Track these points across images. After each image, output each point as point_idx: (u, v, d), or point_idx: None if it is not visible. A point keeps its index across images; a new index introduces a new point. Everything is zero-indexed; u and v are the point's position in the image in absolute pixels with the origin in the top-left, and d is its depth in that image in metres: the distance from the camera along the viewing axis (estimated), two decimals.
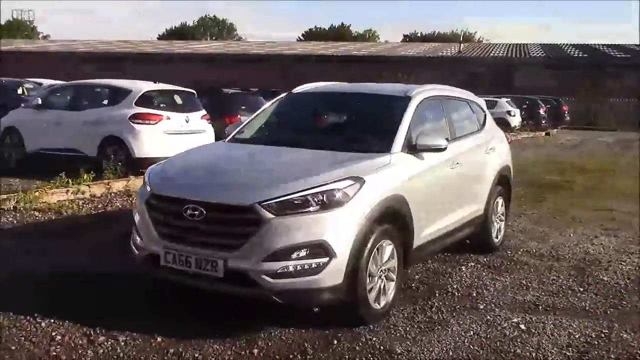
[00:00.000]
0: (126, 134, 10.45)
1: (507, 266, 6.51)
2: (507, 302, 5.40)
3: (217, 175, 4.86)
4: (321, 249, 4.26)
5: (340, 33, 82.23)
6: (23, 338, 4.32)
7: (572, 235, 8.10)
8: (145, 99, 10.97)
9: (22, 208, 8.29)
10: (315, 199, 4.33)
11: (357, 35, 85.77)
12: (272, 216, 4.24)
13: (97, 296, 5.24)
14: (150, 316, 4.77)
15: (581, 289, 5.84)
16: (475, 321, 4.89)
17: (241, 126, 6.11)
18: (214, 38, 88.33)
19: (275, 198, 4.28)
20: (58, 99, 12.01)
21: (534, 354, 4.34)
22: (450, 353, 4.31)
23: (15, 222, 7.72)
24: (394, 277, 4.94)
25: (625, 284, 6.03)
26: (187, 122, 11.11)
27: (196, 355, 4.15)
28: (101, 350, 4.19)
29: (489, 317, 4.99)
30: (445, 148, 5.35)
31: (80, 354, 4.13)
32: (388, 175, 4.85)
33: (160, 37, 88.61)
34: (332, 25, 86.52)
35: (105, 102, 11.20)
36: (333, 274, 4.30)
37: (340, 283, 4.35)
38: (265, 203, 4.26)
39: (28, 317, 4.65)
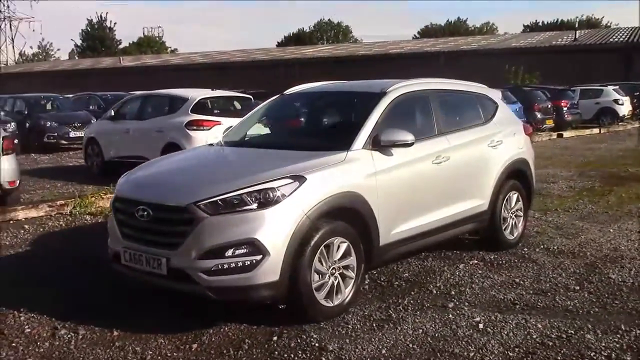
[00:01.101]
0: (183, 141, 10.98)
1: (511, 264, 6.24)
2: (483, 300, 5.21)
3: (169, 178, 5.10)
4: (253, 247, 4.35)
5: (455, 28, 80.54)
6: None
7: (611, 231, 7.59)
8: (201, 106, 11.46)
9: (77, 212, 8.97)
10: (250, 198, 4.43)
11: (475, 29, 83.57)
12: (207, 215, 4.40)
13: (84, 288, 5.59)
14: (125, 312, 5.06)
15: (577, 288, 5.51)
16: (434, 320, 4.78)
17: (230, 129, 6.31)
18: (330, 42, 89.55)
19: (210, 198, 4.43)
20: (128, 109, 12.84)
21: (472, 354, 4.19)
22: (384, 351, 4.25)
23: (63, 225, 8.37)
24: (352, 275, 4.92)
25: (632, 283, 5.61)
26: None
27: (137, 348, 4.38)
28: (57, 343, 4.51)
29: (450, 316, 4.85)
30: (412, 143, 5.25)
31: (37, 345, 4.47)
32: (339, 172, 4.85)
33: (280, 44, 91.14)
34: (448, 20, 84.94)
35: (166, 110, 11.81)
36: (267, 272, 4.38)
37: (277, 280, 4.42)
38: (200, 203, 4.42)
39: (13, 312, 5.08)
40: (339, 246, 4.81)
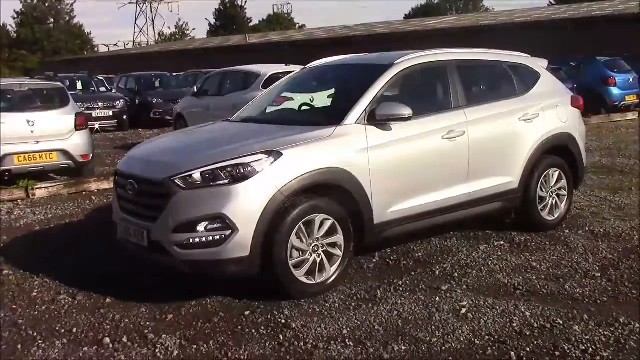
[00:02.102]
0: None
1: (539, 246, 5.83)
2: (483, 284, 4.93)
3: (159, 153, 5.21)
4: (223, 222, 4.37)
5: None
6: (11, 293, 5.11)
7: None
8: (273, 82, 11.55)
9: None
10: (223, 173, 4.45)
11: None
12: (180, 190, 4.47)
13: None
14: (127, 281, 5.25)
15: (597, 275, 5.06)
16: (417, 302, 4.58)
17: (248, 104, 6.34)
18: (459, 12, 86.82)
19: (183, 173, 4.50)
20: (209, 86, 13.23)
21: (434, 340, 3.99)
22: (345, 331, 4.15)
23: None
24: (339, 253, 4.82)
25: None
26: (311, 101, 11.45)
27: (117, 316, 4.56)
28: (52, 307, 4.81)
29: (437, 299, 4.63)
30: (409, 117, 5.01)
31: (35, 308, 4.79)
32: (322, 148, 4.74)
33: (407, 16, 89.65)
34: None
35: (241, 86, 12.04)
36: (236, 247, 4.39)
37: (247, 256, 4.42)
38: (174, 177, 4.50)
39: (33, 276, 5.46)
40: (322, 223, 4.70)
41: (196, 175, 4.47)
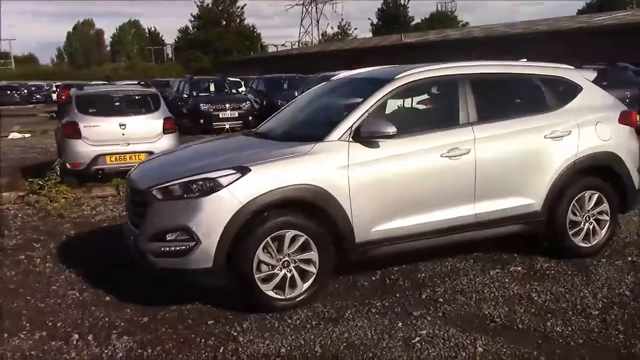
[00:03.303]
0: None
1: (556, 275, 5.42)
2: (460, 314, 4.70)
3: (157, 163, 5.53)
4: (187, 234, 4.59)
5: None
6: (37, 284, 5.69)
7: None
8: None
9: None
10: (192, 186, 4.66)
11: None
12: (156, 200, 4.75)
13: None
14: (140, 283, 5.43)
15: (594, 313, 4.64)
16: (376, 326, 4.49)
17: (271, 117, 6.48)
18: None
19: (161, 184, 4.78)
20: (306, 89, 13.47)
21: None
22: (282, 350, 4.19)
23: None
24: (313, 270, 4.84)
25: None
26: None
27: (101, 314, 4.93)
28: (60, 301, 5.29)
29: (399, 325, 4.50)
30: (394, 135, 4.89)
31: (46, 300, 5.29)
32: (296, 164, 4.78)
33: (580, 12, 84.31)
34: None
35: None
36: (200, 258, 4.58)
37: (210, 267, 4.59)
38: (153, 188, 4.79)
39: (64, 270, 6.03)
40: (293, 239, 4.75)
41: (169, 187, 4.72)
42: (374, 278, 5.49)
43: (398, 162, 5.02)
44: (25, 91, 46.93)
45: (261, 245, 4.65)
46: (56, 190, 9.32)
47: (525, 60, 6.32)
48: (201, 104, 18.75)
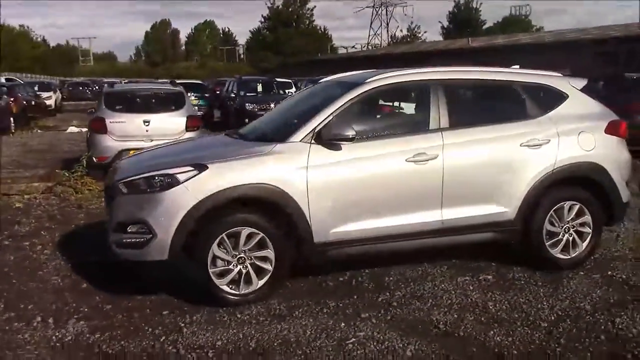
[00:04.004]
0: None
1: (524, 286, 5.33)
2: (409, 318, 4.71)
3: (135, 158, 5.75)
4: (145, 227, 4.80)
5: None
6: (28, 269, 6.03)
7: None
8: None
9: None
10: (152, 181, 4.87)
11: None
12: (122, 194, 4.99)
13: None
14: (123, 272, 5.55)
15: (542, 325, 4.57)
16: (319, 325, 4.57)
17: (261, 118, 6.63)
18: None
19: (126, 178, 5.01)
20: None
21: None
22: (218, 343, 4.31)
23: None
24: (269, 268, 4.96)
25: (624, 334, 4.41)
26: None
27: (71, 300, 5.18)
28: (42, 285, 5.59)
29: (342, 325, 4.56)
30: (353, 138, 4.96)
31: (29, 284, 5.60)
32: (253, 164, 4.90)
33: None
34: None
35: None
36: (155, 251, 4.77)
37: (165, 260, 4.78)
38: (120, 181, 5.03)
39: (59, 257, 6.36)
40: (250, 236, 4.88)
41: (133, 181, 4.94)
42: (341, 279, 5.55)
43: (360, 165, 5.07)
44: (97, 87, 48.84)
45: (216, 241, 4.80)
46: (81, 182, 9.78)
47: (518, 66, 6.23)
48: (247, 104, 19.14)
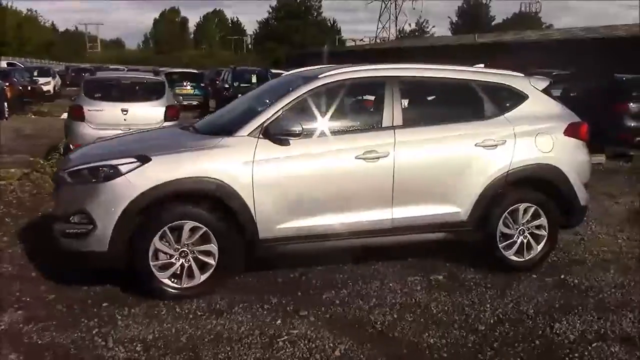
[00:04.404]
0: None
1: (473, 288, 5.29)
2: (347, 317, 4.68)
3: (90, 147, 5.73)
4: (86, 217, 4.76)
5: None
6: None
7: None
8: None
9: None
10: (95, 172, 4.83)
11: None
12: (66, 183, 4.96)
13: None
14: None
15: (480, 329, 4.52)
16: (254, 322, 4.53)
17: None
18: None
19: (71, 167, 4.98)
20: None
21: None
22: (149, 337, 4.28)
23: None
24: (212, 262, 4.93)
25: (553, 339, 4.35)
26: None
27: (16, 289, 5.13)
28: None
29: (278, 323, 4.54)
30: (299, 134, 4.91)
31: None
32: (198, 157, 4.86)
33: None
34: None
35: None
36: (95, 242, 4.74)
37: (105, 251, 4.75)
38: (65, 170, 5.00)
39: (25, 245, 6.34)
40: (192, 230, 4.85)
41: (77, 171, 4.91)
42: (292, 275, 5.52)
43: (308, 161, 5.02)
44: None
45: (158, 234, 4.76)
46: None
47: (483, 65, 6.16)
48: (239, 94, 19.04)
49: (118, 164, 4.75)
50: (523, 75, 5.91)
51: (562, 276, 5.56)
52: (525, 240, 5.62)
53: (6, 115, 19.88)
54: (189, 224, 4.82)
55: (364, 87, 5.50)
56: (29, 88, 24.47)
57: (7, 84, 20.90)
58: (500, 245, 5.55)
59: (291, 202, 5.01)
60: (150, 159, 4.76)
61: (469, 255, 5.80)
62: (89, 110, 10.04)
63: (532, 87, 5.77)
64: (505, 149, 5.46)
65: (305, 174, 5.02)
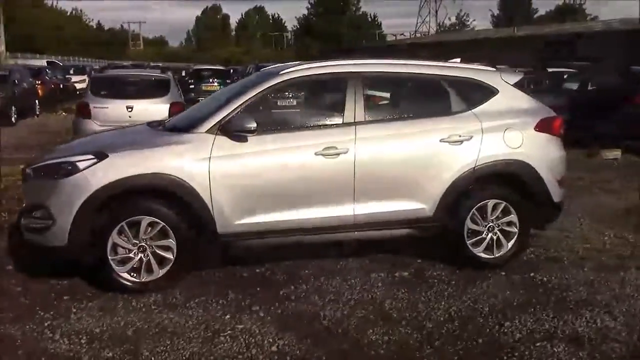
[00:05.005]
0: None
1: (436, 284, 5.23)
2: (297, 311, 4.70)
3: (66, 144, 5.87)
4: (46, 212, 4.89)
5: None
6: None
7: None
8: None
9: None
10: (55, 168, 4.96)
11: None
12: (30, 179, 5.11)
13: None
14: None
15: (427, 325, 4.49)
16: (201, 317, 4.58)
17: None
18: None
19: (34, 164, 5.12)
20: None
21: (146, 352, 4.06)
22: (97, 330, 4.37)
23: None
24: (171, 257, 5.01)
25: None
26: None
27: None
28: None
29: (226, 318, 4.58)
30: (254, 130, 4.94)
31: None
32: (154, 154, 4.94)
33: None
34: None
35: None
36: (55, 237, 4.86)
37: (64, 246, 4.87)
38: (29, 167, 5.15)
39: None
40: (150, 225, 4.93)
41: (39, 167, 5.04)
42: (257, 270, 5.56)
43: (265, 157, 5.05)
44: None
45: (116, 229, 4.86)
46: None
47: (458, 60, 6.09)
48: None
49: (76, 161, 4.86)
50: (494, 69, 5.81)
51: (532, 274, 5.45)
52: (495, 237, 5.52)
53: (37, 113, 20.43)
54: (146, 220, 4.90)
55: (325, 83, 5.47)
56: (61, 86, 25.09)
57: (39, 82, 21.46)
58: (468, 242, 5.48)
59: (249, 199, 5.04)
60: (107, 156, 4.85)
61: (443, 252, 5.72)
62: (95, 107, 10.27)
63: (502, 81, 5.67)
64: (472, 145, 5.38)
65: (263, 170, 5.05)
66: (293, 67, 5.37)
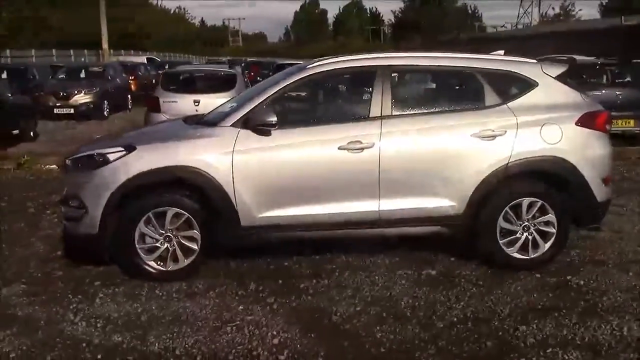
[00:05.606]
0: None
1: (462, 284, 5.07)
2: (308, 307, 4.70)
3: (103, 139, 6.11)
4: (79, 201, 5.16)
5: None
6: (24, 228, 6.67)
7: None
8: None
9: None
10: (89, 160, 5.21)
11: None
12: (68, 170, 5.40)
13: None
14: None
15: (439, 325, 4.39)
16: (216, 306, 4.68)
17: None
18: None
19: (72, 156, 5.40)
20: None
21: (152, 340, 4.20)
22: (114, 315, 4.56)
23: None
24: (195, 247, 5.15)
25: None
26: None
27: (36, 272, 5.54)
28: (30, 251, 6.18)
29: (240, 308, 4.65)
30: (275, 124, 4.98)
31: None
32: (180, 147, 5.08)
33: None
34: None
35: None
36: (87, 225, 5.10)
37: (95, 234, 5.10)
38: (68, 159, 5.44)
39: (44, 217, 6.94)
40: (176, 216, 5.09)
41: (76, 159, 5.30)
42: (285, 263, 5.59)
43: (288, 151, 5.07)
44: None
45: (143, 219, 5.03)
46: None
47: (502, 52, 5.87)
48: None
49: (107, 153, 5.07)
50: (535, 61, 5.54)
51: (569, 277, 5.19)
52: (530, 237, 5.28)
53: (129, 107, 21.40)
54: (171, 211, 5.05)
55: (353, 77, 5.41)
56: (154, 81, 26.10)
57: (132, 77, 22.45)
58: (501, 242, 5.27)
59: (272, 192, 5.08)
60: (135, 148, 5.03)
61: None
62: (164, 101, 10.64)
63: (543, 73, 5.40)
64: (505, 140, 5.18)
65: (284, 164, 5.07)
66: (320, 61, 5.34)
